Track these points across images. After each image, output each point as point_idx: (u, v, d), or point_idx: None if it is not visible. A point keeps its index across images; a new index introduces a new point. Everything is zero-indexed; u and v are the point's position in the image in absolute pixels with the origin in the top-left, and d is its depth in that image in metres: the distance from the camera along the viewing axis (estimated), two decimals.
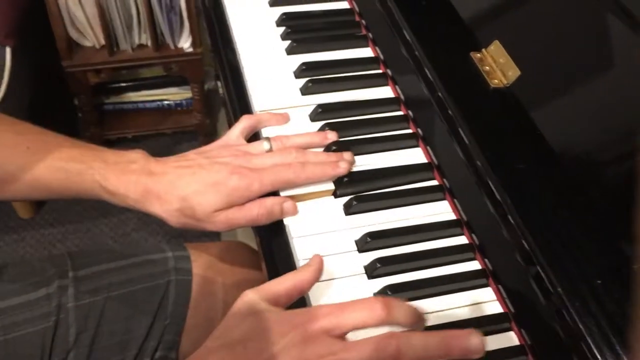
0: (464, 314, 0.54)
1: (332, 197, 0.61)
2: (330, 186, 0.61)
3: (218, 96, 1.72)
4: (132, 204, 0.58)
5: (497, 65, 0.59)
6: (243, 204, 0.58)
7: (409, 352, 0.42)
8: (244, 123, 0.65)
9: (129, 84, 1.62)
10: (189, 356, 0.72)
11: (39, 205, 1.54)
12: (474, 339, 0.43)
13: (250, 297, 0.47)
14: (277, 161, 0.60)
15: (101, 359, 0.67)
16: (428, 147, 0.64)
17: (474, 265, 0.57)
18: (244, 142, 0.64)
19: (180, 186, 0.57)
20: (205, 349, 0.46)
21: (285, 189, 0.60)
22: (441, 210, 0.61)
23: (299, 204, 0.60)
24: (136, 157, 0.59)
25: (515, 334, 0.52)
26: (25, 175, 0.58)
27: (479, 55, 0.61)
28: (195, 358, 0.45)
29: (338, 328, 0.44)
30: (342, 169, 0.61)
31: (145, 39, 1.48)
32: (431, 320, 0.52)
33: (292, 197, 0.60)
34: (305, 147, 0.63)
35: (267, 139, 0.63)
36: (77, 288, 0.67)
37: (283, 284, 0.49)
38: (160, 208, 0.57)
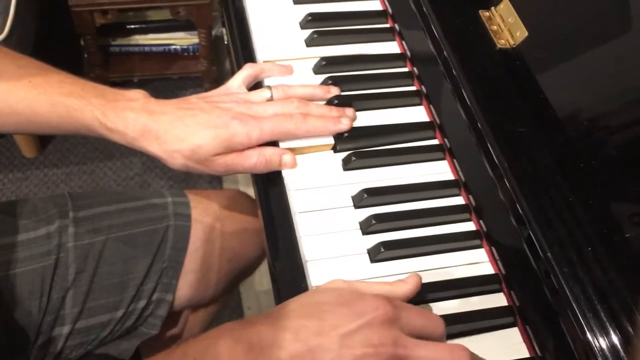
0: (457, 273, 0.54)
1: (332, 151, 0.61)
2: (330, 140, 0.61)
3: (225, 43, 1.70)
4: (131, 141, 0.58)
5: (505, 25, 0.58)
6: (242, 150, 0.58)
7: None
8: (246, 71, 0.64)
9: (136, 26, 1.60)
10: (186, 300, 0.75)
11: (43, 145, 1.55)
12: None
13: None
14: (278, 110, 0.59)
15: (99, 298, 0.68)
16: (431, 106, 0.64)
17: (469, 226, 0.57)
18: (246, 90, 0.63)
19: (180, 127, 0.57)
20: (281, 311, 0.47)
21: (285, 139, 0.60)
22: (440, 170, 0.61)
23: (298, 157, 0.60)
24: (136, 96, 0.59)
25: (505, 295, 0.53)
26: (26, 109, 0.58)
27: (487, 13, 0.60)
28: (271, 317, 0.47)
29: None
30: (344, 125, 0.60)
31: None
32: (424, 278, 0.53)
33: (291, 150, 0.60)
34: (307, 99, 0.63)
35: (269, 87, 0.62)
36: (77, 228, 0.68)
37: (373, 287, 0.50)
38: (158, 148, 0.57)
